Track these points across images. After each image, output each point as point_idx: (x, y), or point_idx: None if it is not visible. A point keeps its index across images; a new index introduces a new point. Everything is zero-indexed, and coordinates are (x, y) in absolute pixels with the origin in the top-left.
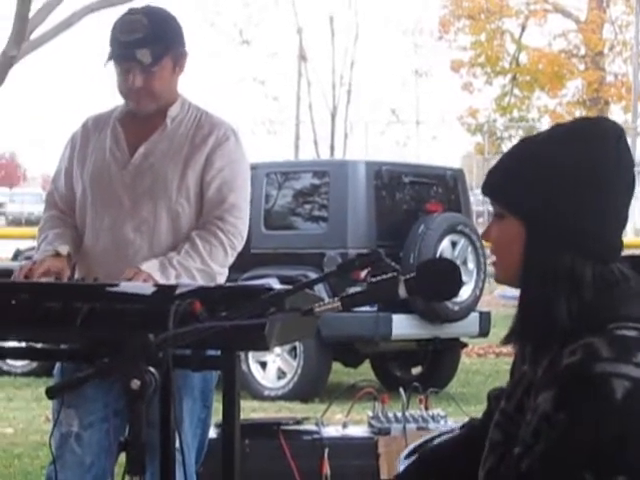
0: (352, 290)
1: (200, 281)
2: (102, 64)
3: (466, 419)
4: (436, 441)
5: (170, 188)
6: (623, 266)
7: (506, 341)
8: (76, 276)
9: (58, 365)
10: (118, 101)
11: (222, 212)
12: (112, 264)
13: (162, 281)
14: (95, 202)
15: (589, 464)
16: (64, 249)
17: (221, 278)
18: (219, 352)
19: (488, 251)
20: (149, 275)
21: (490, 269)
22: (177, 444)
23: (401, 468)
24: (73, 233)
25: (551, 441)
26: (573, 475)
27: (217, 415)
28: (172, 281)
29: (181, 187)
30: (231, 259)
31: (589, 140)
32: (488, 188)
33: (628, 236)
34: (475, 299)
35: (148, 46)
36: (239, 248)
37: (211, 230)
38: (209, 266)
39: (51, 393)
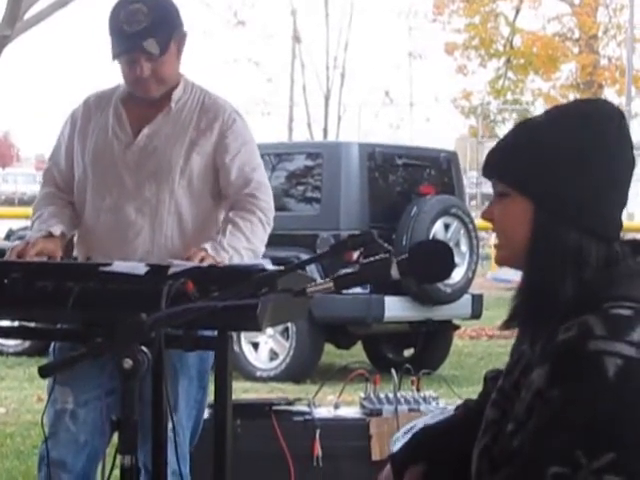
0: (344, 271)
1: (246, 260)
2: (110, 59)
3: (458, 401)
4: (430, 422)
5: (174, 171)
6: (624, 247)
7: (507, 326)
8: (75, 254)
9: (54, 343)
10: (114, 80)
11: (252, 190)
12: (112, 244)
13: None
14: (96, 181)
15: (581, 442)
16: (57, 229)
17: (260, 256)
18: (215, 332)
19: (481, 234)
20: (213, 257)
21: (482, 251)
22: (171, 424)
23: (394, 448)
24: (70, 211)
25: (543, 418)
26: (565, 452)
27: (209, 396)
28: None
29: (185, 170)
30: (267, 235)
31: (591, 120)
32: (491, 168)
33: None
34: (468, 281)
35: (154, 35)
36: (272, 224)
37: (247, 208)
38: (253, 244)
39: (44, 372)
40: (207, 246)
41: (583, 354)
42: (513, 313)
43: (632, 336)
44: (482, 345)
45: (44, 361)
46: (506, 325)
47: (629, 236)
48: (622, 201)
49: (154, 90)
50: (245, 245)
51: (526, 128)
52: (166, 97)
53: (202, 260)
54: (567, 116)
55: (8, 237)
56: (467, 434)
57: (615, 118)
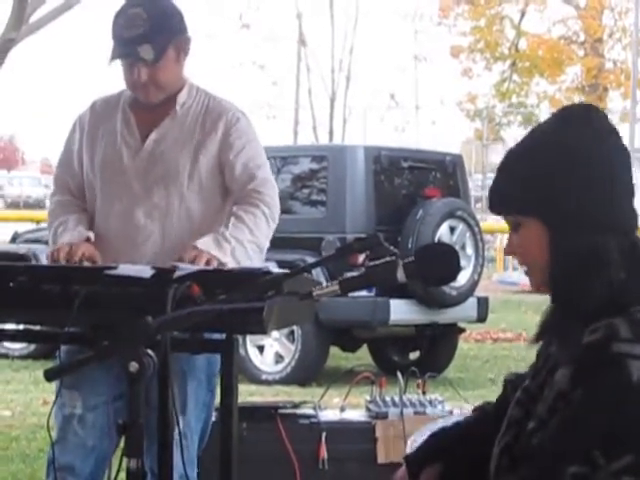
0: (350, 274)
1: (251, 253)
2: (107, 62)
3: (464, 404)
4: (448, 424)
5: (182, 174)
6: None
7: (537, 339)
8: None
9: (61, 347)
10: (119, 83)
11: (256, 186)
12: (121, 249)
13: (221, 257)
14: (105, 188)
15: (600, 443)
16: (91, 234)
17: (264, 251)
18: (223, 335)
19: (487, 237)
20: (212, 256)
21: (488, 254)
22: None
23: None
24: (87, 218)
25: (565, 418)
26: (583, 453)
27: (215, 399)
28: (228, 256)
29: (193, 173)
30: (271, 231)
31: (579, 121)
32: (495, 205)
33: None
34: (473, 284)
35: (149, 41)
36: (277, 220)
37: (251, 202)
38: (257, 237)
39: (49, 375)
40: (199, 242)
41: (607, 356)
42: (544, 327)
43: None
44: (487, 348)
45: (49, 364)
46: (537, 338)
47: None
48: (627, 190)
49: (152, 95)
50: (249, 238)
51: (514, 156)
52: (171, 101)
53: (208, 262)
54: (553, 126)
55: (14, 240)
56: (483, 437)
57: (588, 114)
